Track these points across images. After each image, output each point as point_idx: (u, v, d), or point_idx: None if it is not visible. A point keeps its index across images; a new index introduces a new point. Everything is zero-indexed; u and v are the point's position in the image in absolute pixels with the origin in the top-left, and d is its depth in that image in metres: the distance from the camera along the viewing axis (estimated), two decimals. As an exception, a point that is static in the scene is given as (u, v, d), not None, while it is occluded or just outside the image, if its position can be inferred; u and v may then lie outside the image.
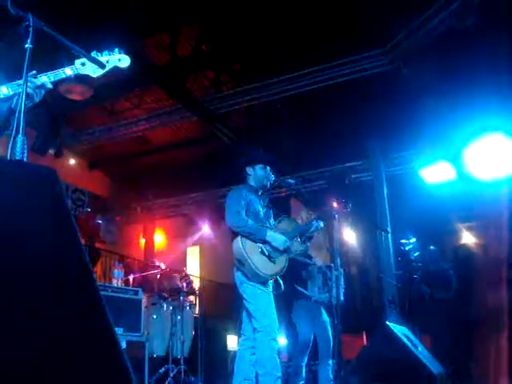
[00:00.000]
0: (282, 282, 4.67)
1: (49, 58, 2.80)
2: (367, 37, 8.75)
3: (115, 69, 3.11)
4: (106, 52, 3.07)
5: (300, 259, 6.58)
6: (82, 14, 7.25)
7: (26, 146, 2.30)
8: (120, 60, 3.11)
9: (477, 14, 7.04)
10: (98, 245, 12.67)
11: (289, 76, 9.74)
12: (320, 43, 9.08)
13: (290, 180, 5.42)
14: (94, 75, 3.00)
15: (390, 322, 5.71)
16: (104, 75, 3.05)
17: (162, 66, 9.98)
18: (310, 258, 6.85)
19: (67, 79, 2.92)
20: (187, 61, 9.78)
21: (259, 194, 4.85)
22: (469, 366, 7.58)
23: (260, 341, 4.34)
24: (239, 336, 4.78)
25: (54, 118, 10.78)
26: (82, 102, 9.33)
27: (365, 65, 9.08)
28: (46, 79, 2.88)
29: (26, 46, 2.58)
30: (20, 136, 2.32)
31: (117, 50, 3.11)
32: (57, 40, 2.67)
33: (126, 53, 3.13)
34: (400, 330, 5.23)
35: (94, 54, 3.01)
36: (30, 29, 2.59)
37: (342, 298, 6.08)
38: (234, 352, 7.03)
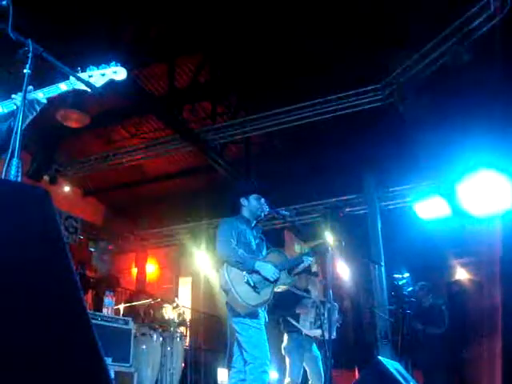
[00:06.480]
0: (266, 315, 4.61)
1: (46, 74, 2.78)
2: (363, 72, 8.86)
3: (111, 82, 3.08)
4: (103, 65, 3.06)
5: (298, 293, 6.55)
6: (80, 42, 7.31)
7: (20, 170, 2.29)
8: (115, 72, 3.08)
9: (472, 51, 7.15)
10: (89, 273, 12.56)
11: (285, 109, 9.81)
12: (316, 77, 9.18)
13: (284, 212, 5.39)
14: (90, 90, 2.97)
15: (383, 356, 5.65)
16: (101, 93, 3.03)
17: (159, 96, 10.06)
18: (307, 291, 6.81)
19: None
20: (184, 91, 9.85)
21: (252, 225, 4.82)
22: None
23: (251, 373, 4.27)
24: (229, 369, 4.70)
25: (49, 144, 10.80)
26: (79, 130, 9.34)
27: (361, 100, 9.17)
28: (41, 95, 2.87)
29: (25, 71, 2.59)
30: (15, 159, 2.31)
31: (113, 62, 3.09)
32: (54, 64, 2.68)
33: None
34: (392, 365, 5.17)
35: (90, 67, 3.01)
36: (30, 54, 2.60)
37: (334, 333, 6.01)
38: (224, 385, 6.93)
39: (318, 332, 6.40)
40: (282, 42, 8.69)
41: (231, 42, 8.88)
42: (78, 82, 2.91)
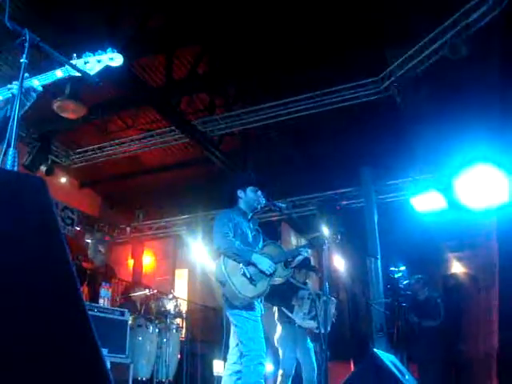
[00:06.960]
0: (262, 307, 4.61)
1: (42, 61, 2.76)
2: (361, 65, 8.84)
3: (108, 70, 3.06)
4: (99, 51, 3.04)
5: (295, 283, 6.55)
6: (78, 32, 7.28)
7: (16, 159, 2.28)
8: (112, 59, 3.06)
9: (470, 45, 7.13)
10: (85, 264, 12.55)
11: (283, 101, 9.79)
12: (314, 70, 9.15)
13: (280, 204, 5.37)
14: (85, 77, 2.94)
15: (378, 349, 5.67)
16: (97, 81, 3.00)
17: (156, 87, 10.02)
18: (305, 284, 6.82)
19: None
20: (182, 83, 9.82)
21: (248, 217, 4.82)
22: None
23: (246, 365, 4.27)
24: (225, 361, 4.70)
25: (46, 135, 10.77)
26: (75, 121, 9.30)
27: (359, 92, 9.15)
28: (37, 82, 2.85)
29: (22, 60, 2.57)
30: (11, 149, 2.29)
31: (110, 48, 3.07)
32: (50, 53, 2.66)
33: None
34: (388, 357, 5.19)
35: (86, 53, 2.99)
36: (26, 44, 2.58)
37: (328, 328, 6.00)
38: (220, 377, 6.93)
39: (311, 324, 6.39)
40: (280, 35, 8.65)
41: (230, 33, 8.84)
42: (74, 70, 2.89)
